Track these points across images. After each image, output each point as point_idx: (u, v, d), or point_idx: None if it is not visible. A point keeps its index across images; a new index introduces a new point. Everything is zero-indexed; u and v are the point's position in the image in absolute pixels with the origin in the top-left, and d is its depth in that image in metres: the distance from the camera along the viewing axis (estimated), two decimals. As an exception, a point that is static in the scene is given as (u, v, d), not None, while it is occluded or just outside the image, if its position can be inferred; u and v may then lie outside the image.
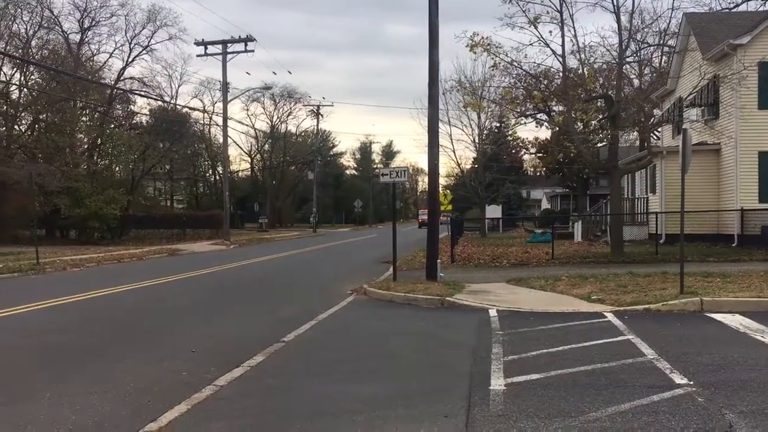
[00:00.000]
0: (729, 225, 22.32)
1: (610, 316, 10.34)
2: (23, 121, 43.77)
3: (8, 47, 41.07)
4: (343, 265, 23.14)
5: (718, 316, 10.21)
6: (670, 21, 23.92)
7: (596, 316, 10.47)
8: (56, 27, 44.38)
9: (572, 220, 37.06)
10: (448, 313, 11.45)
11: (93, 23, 45.58)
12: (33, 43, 43.05)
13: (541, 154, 53.39)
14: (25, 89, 43.00)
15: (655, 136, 31.04)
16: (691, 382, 6.45)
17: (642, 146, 29.23)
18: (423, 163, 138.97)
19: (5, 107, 41.61)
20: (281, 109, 75.20)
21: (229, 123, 47.70)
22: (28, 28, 42.75)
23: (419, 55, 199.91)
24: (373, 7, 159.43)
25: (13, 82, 42.75)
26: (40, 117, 43.24)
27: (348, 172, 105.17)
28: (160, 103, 53.08)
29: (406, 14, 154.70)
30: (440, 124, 17.66)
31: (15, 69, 42.57)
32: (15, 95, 43.13)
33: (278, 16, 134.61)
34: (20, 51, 41.32)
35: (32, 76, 44.26)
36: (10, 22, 41.37)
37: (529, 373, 6.93)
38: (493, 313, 10.98)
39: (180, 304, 13.31)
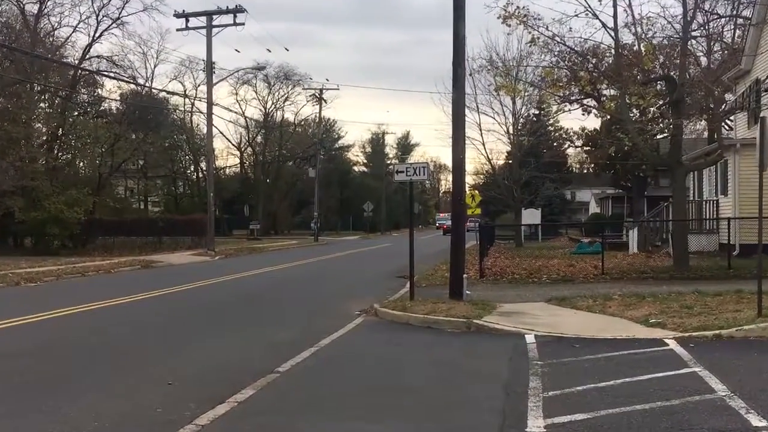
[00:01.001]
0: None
1: (672, 344, 10.33)
2: (-31, 109, 44.12)
3: (-47, 20, 41.42)
4: (349, 280, 23.24)
5: (806, 345, 10.16)
6: (745, -13, 23.61)
7: (655, 343, 10.46)
8: (10, -4, 44.77)
9: (626, 227, 36.99)
10: (476, 339, 11.51)
11: (53, -9, 45.90)
12: (-19, 14, 43.39)
13: (588, 148, 53.28)
14: (-27, 70, 43.31)
15: (726, 126, 30.83)
16: (772, 425, 6.39)
17: (711, 138, 29.06)
18: (446, 158, 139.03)
19: (-51, 91, 41.90)
20: (277, 94, 75.55)
21: (215, 110, 48.17)
22: (-25, -4, 43.07)
23: (441, 29, 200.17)
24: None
25: (-41, 61, 43.04)
26: (-9, 103, 43.54)
27: (356, 168, 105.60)
28: (132, 86, 53.53)
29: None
30: (467, 112, 17.82)
31: (-39, 46, 42.94)
32: (-39, 77, 43.46)
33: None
34: (-34, 24, 41.63)
35: (-20, 55, 44.61)
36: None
37: (573, 412, 6.88)
38: (530, 338, 11.01)
39: (154, 326, 13.42)
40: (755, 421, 6.55)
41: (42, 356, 10.32)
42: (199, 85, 63.83)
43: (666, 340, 10.56)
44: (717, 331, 10.86)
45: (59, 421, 6.94)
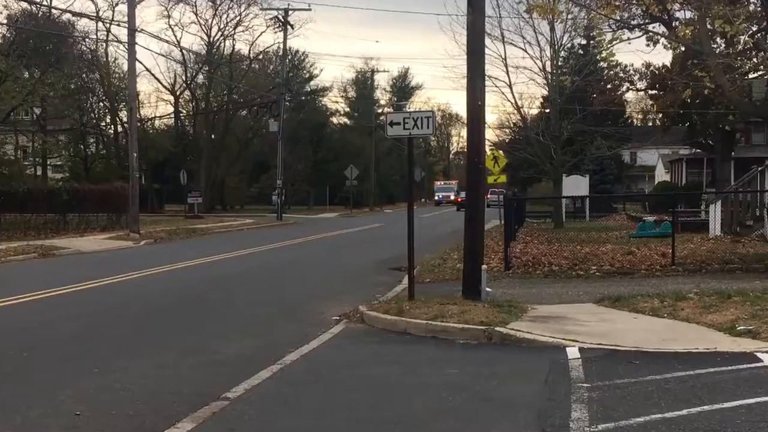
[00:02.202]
0: None
1: (767, 360, 10.33)
2: None
3: None
4: (325, 273, 23.39)
5: None
6: None
7: (745, 358, 10.49)
8: None
9: (706, 201, 37.24)
10: (500, 353, 11.57)
11: None
12: None
13: (654, 92, 53.11)
14: None
15: None
16: None
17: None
18: (459, 106, 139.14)
19: None
20: (225, 16, 75.16)
21: (140, 38, 47.74)
22: None
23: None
24: None
25: None
26: None
27: (336, 120, 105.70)
28: (24, 4, 53.01)
29: None
30: (488, 42, 17.87)
31: None
32: None
33: None
34: None
35: None
36: None
37: (631, 453, 6.94)
38: (573, 352, 11.09)
39: (58, 336, 13.36)
40: None
41: None
42: (117, 4, 63.42)
43: (759, 355, 10.58)
44: (831, 343, 10.77)
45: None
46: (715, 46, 22.60)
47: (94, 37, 65.84)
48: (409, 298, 15.20)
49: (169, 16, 71.93)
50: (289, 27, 66.59)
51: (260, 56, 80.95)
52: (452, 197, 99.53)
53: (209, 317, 15.33)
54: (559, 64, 43.18)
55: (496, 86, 40.83)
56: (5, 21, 53.39)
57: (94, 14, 61.63)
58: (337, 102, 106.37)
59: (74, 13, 57.99)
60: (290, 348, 11.76)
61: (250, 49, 79.59)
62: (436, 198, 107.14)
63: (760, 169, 30.24)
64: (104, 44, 66.81)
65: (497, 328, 12.39)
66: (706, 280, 17.77)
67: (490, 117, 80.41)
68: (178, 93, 77.15)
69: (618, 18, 22.73)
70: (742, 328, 12.12)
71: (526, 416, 8.26)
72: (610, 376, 9.69)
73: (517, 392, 9.31)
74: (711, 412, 8.11)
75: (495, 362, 10.98)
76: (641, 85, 53.43)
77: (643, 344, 11.40)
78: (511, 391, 9.44)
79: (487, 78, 19.19)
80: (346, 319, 14.41)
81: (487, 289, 15.57)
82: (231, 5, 74.02)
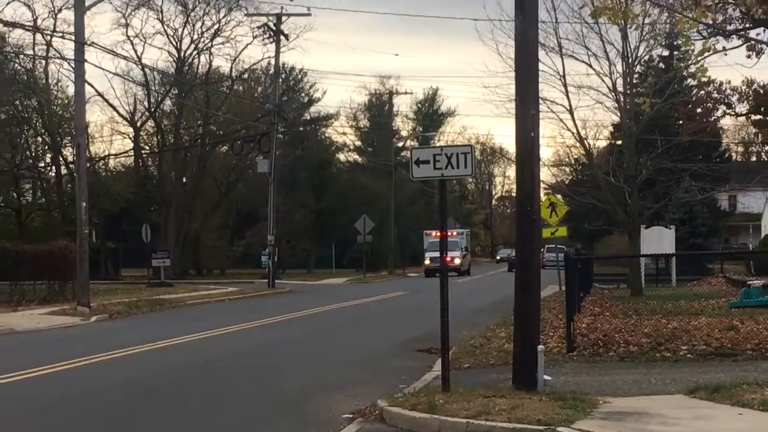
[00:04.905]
0: None
1: None
2: None
3: None
4: (334, 356, 23.54)
5: None
6: None
7: None
8: None
9: None
10: None
11: None
12: None
13: (759, 117, 53.05)
14: None
15: None
16: None
17: None
18: (504, 138, 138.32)
19: None
20: (199, 24, 75.62)
21: (91, 53, 47.88)
22: None
23: None
24: None
25: None
26: None
27: (344, 157, 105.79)
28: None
29: None
30: (541, 54, 17.99)
31: None
32: None
33: None
34: None
35: None
36: None
37: None
38: None
39: None
40: None
41: None
42: (60, 10, 64.09)
43: None
44: None
45: None
46: None
47: (31, 52, 66.11)
48: (443, 389, 15.18)
49: (127, 26, 72.50)
50: (282, 37, 67.21)
51: (245, 75, 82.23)
52: (457, 260, 79.84)
53: (185, 418, 15.33)
54: (635, 82, 43.35)
55: (553, 111, 41.07)
56: None
57: (31, 23, 62.09)
58: (345, 134, 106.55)
59: (5, 23, 58.35)
60: None
61: (232, 67, 79.90)
62: (427, 262, 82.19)
63: None
64: (44, 62, 67.57)
65: (560, 429, 12.36)
66: None
67: (546, 152, 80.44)
68: (139, 124, 77.65)
69: (710, 22, 22.85)
70: None
71: None
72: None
73: None
74: None
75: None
76: (742, 108, 53.67)
77: None
78: None
79: (541, 101, 19.24)
80: (360, 417, 14.40)
81: (546, 377, 15.59)
82: (207, 10, 74.53)
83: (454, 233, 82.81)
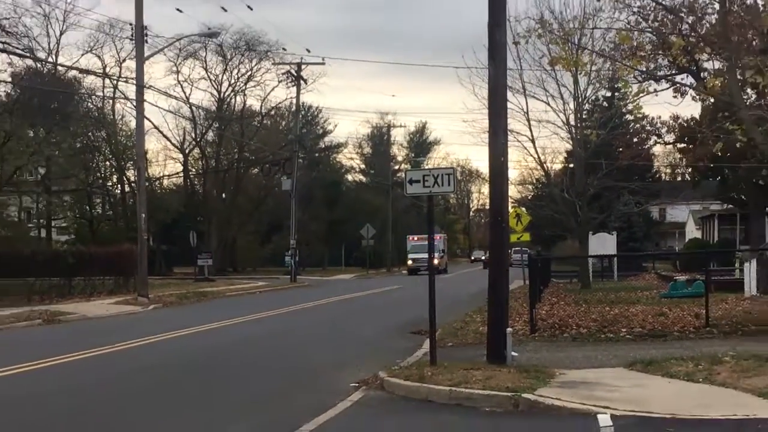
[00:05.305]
0: None
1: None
2: None
3: None
4: (343, 338, 23.30)
5: None
6: None
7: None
8: None
9: (740, 259, 36.59)
10: (528, 422, 11.61)
11: None
12: None
13: (683, 145, 52.85)
14: None
15: None
16: None
17: None
18: (479, 162, 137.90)
19: None
20: (236, 71, 75.03)
21: (148, 95, 47.13)
22: None
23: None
24: None
25: None
26: None
27: (351, 178, 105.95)
28: (29, 62, 52.94)
29: None
30: (510, 95, 17.95)
31: None
32: None
33: None
34: None
35: None
36: None
37: None
38: (604, 420, 10.91)
39: (50, 411, 13.03)
40: None
41: None
42: (124, 60, 63.36)
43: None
44: None
45: None
46: (746, 97, 22.69)
47: (101, 94, 66.18)
48: (430, 363, 15.15)
49: (178, 72, 72.00)
50: (302, 82, 67.06)
51: (272, 112, 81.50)
52: (436, 260, 70.87)
53: (220, 388, 14.96)
54: (584, 117, 42.97)
55: (518, 141, 40.42)
56: (9, 79, 53.37)
57: (101, 71, 61.76)
58: (352, 159, 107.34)
59: (80, 70, 57.97)
60: (306, 417, 11.62)
61: (261, 105, 79.33)
62: (410, 263, 76.05)
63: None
64: (111, 101, 67.12)
65: (524, 395, 12.29)
66: (742, 342, 17.40)
67: (512, 173, 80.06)
68: (187, 151, 77.12)
69: (644, 69, 23.23)
70: (785, 394, 11.81)
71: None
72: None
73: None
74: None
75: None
76: (669, 138, 53.95)
77: (677, 411, 11.26)
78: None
79: (509, 133, 19.54)
80: (365, 386, 14.26)
81: (513, 353, 15.50)
82: (242, 60, 74.20)
83: (437, 237, 77.34)
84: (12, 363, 17.40)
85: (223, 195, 76.11)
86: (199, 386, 15.27)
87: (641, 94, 28.61)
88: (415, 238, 73.90)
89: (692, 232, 73.22)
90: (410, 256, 74.85)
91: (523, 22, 37.93)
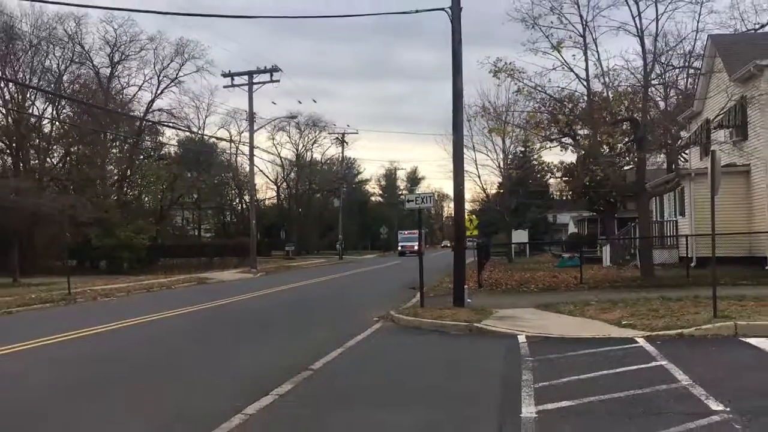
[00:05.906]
0: (761, 247, 21.88)
1: (641, 342, 10.10)
2: (55, 154, 44.91)
3: (41, 82, 42.27)
4: (369, 291, 23.03)
5: (753, 341, 9.87)
6: (694, 43, 23.39)
7: (627, 341, 10.23)
8: (87, 62, 45.75)
9: (600, 244, 36.41)
10: (477, 340, 11.33)
11: (123, 57, 46.86)
12: (65, 77, 44.33)
13: (567, 178, 52.49)
14: (57, 123, 44.10)
15: (682, 158, 30.58)
16: (728, 409, 6.30)
17: (669, 168, 28.62)
18: (448, 189, 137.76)
19: (38, 141, 42.69)
20: (306, 138, 76.47)
21: (256, 152, 48.01)
22: (60, 63, 44.14)
23: (440, 81, 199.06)
24: (383, 34, 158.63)
25: (46, 116, 43.91)
26: (72, 150, 44.30)
27: (373, 198, 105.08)
28: (187, 133, 54.11)
29: (416, 40, 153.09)
30: (465, 150, 17.78)
31: (47, 103, 43.82)
32: (47, 129, 44.28)
33: (293, 44, 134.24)
34: (52, 86, 42.49)
35: (64, 110, 45.44)
36: (43, 58, 42.69)
37: (560, 400, 6.80)
38: (522, 339, 10.81)
39: (214, 333, 13.23)
40: (714, 405, 6.49)
41: (128, 359, 10.27)
42: (242, 132, 63.73)
43: (637, 339, 10.37)
44: (679, 331, 10.69)
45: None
46: (603, 150, 22.55)
47: (229, 151, 66.08)
48: (420, 306, 15.05)
49: (273, 138, 73.09)
50: (345, 143, 68.19)
51: (327, 161, 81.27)
52: (416, 247, 68.71)
53: (302, 319, 15.14)
54: (508, 163, 43.08)
55: (471, 177, 40.05)
56: (176, 143, 54.43)
57: (229, 138, 62.40)
58: (374, 188, 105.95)
59: (217, 138, 58.37)
60: (348, 338, 11.49)
61: (321, 157, 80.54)
62: (399, 248, 70.20)
63: (632, 224, 30.03)
64: (234, 156, 67.01)
65: (475, 324, 12.20)
66: (602, 293, 17.26)
67: (467, 195, 79.32)
68: (278, 184, 77.64)
69: (543, 135, 22.68)
70: (625, 322, 11.90)
71: (494, 377, 8.18)
72: (545, 353, 9.50)
73: (488, 363, 9.20)
74: (609, 374, 8.01)
75: (474, 345, 10.87)
76: (558, 174, 52.60)
77: (565, 333, 11.23)
78: (484, 362, 9.34)
79: (465, 173, 18.86)
80: (382, 319, 14.02)
81: (468, 300, 15.37)
82: (310, 131, 75.43)
83: (415, 233, 75.49)
84: (176, 307, 17.62)
85: (300, 210, 76.16)
86: (293, 318, 15.41)
87: (542, 149, 28.89)
88: (405, 233, 70.48)
89: (572, 228, 70.69)
90: (400, 244, 71.21)
91: (473, 108, 38.52)
